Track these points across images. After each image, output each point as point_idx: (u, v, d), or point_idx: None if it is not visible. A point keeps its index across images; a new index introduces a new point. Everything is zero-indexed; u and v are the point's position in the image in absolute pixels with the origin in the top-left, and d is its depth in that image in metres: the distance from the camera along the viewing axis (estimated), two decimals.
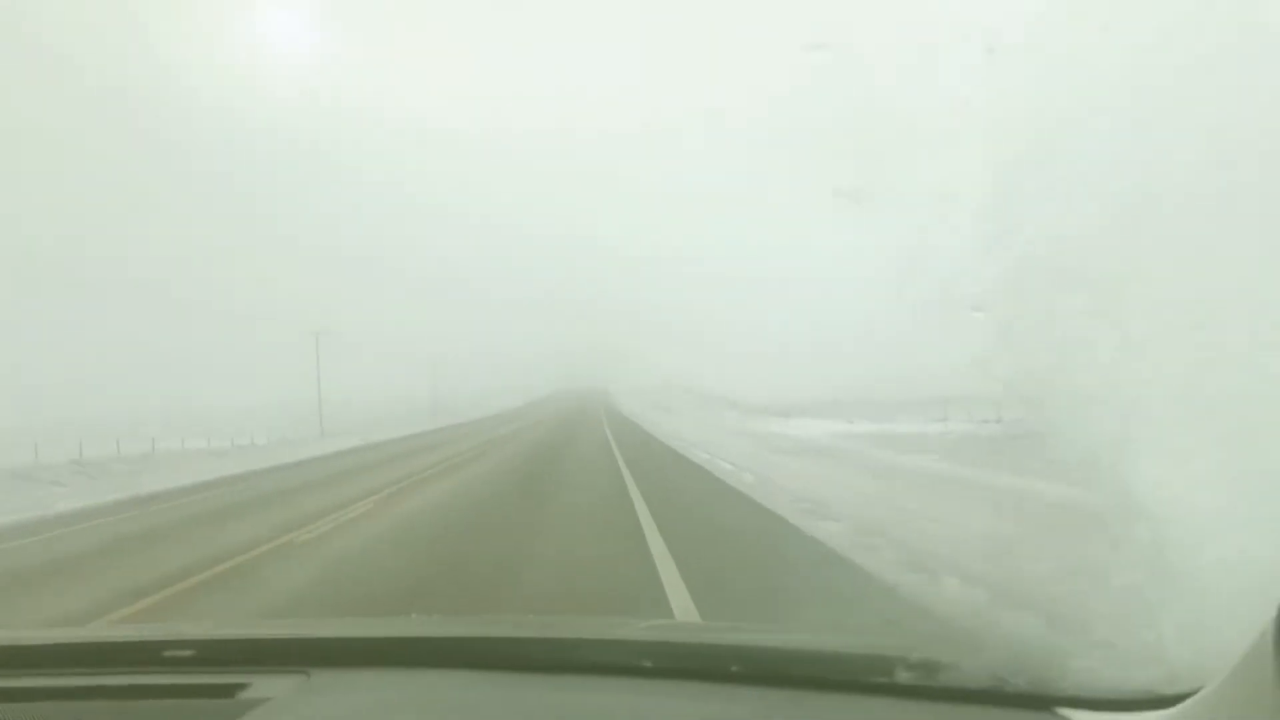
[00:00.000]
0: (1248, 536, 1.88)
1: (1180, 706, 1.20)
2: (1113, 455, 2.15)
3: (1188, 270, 2.13)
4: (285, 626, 2.51)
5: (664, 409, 51.26)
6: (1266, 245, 1.97)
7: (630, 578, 6.56)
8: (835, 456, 16.84)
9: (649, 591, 5.74)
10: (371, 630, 2.13)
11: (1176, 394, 2.07)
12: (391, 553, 8.55)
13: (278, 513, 12.68)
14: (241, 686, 1.60)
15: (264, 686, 1.59)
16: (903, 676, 1.45)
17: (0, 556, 10.27)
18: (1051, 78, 2.53)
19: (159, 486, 18.88)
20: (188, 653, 1.75)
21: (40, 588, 8.08)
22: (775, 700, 1.49)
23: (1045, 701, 1.40)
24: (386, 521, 10.87)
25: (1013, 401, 2.51)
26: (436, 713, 1.53)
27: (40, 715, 1.58)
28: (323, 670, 1.67)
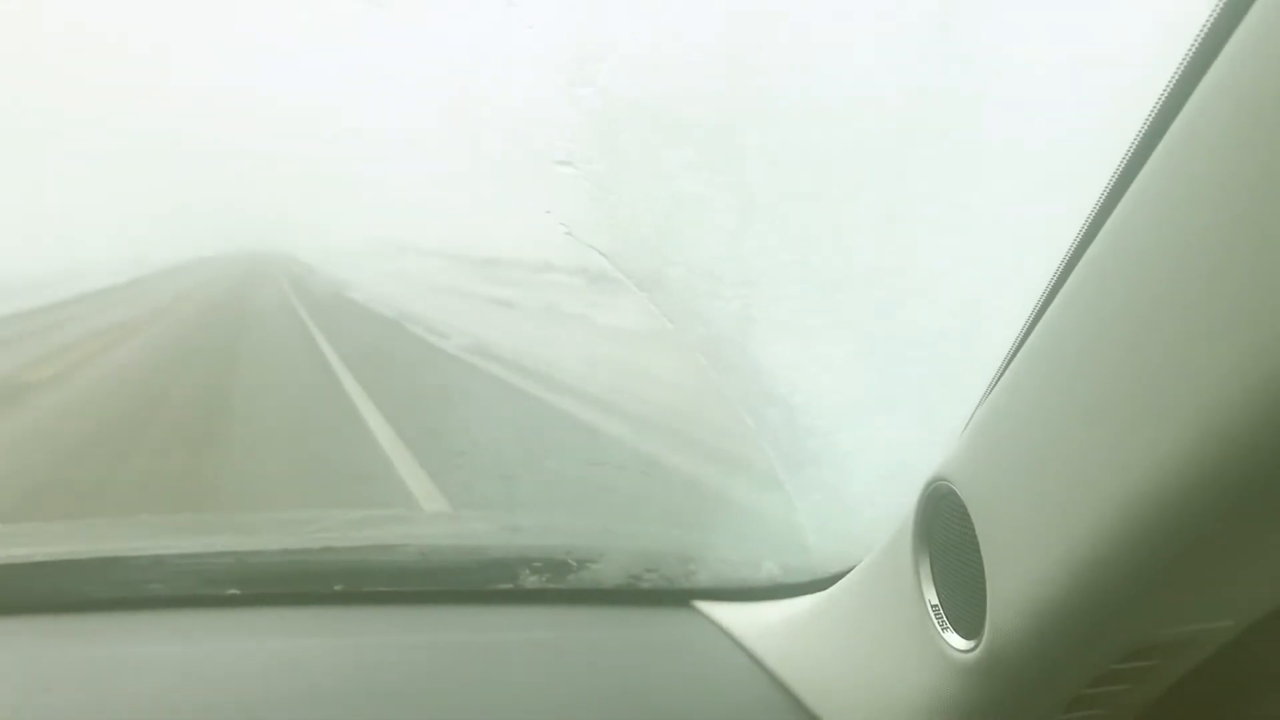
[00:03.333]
0: (885, 419, 1.83)
1: (820, 594, 1.16)
2: (740, 337, 1.93)
3: (816, 115, 1.85)
4: None
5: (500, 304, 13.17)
6: (911, 93, 1.75)
7: None
8: None
9: None
10: None
11: (806, 268, 1.87)
12: None
13: None
14: None
15: None
16: (528, 581, 1.35)
17: None
18: None
19: None
20: None
21: None
22: (384, 620, 1.34)
23: (682, 596, 1.36)
24: None
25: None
26: None
27: None
28: None
